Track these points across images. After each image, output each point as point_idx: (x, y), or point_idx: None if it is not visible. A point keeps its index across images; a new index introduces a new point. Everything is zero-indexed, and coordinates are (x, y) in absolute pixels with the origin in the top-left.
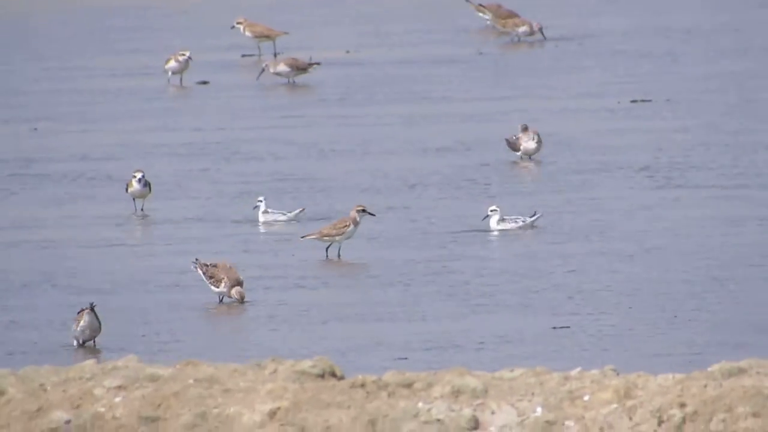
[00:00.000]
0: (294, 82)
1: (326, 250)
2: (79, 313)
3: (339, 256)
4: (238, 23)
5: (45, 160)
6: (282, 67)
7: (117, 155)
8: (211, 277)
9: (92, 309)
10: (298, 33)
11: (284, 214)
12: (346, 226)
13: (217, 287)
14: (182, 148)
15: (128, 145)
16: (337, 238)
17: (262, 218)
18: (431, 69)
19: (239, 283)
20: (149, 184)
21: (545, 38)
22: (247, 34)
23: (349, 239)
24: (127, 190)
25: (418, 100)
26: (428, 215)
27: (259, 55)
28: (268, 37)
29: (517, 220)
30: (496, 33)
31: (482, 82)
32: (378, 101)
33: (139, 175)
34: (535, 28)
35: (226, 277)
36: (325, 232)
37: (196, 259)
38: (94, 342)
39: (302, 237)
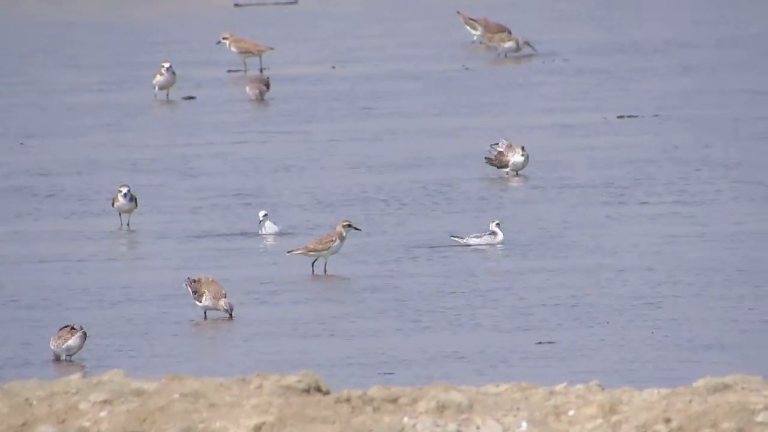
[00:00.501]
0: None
1: (312, 265)
2: (62, 329)
3: (325, 270)
4: (224, 39)
5: (31, 173)
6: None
7: (96, 169)
8: (194, 292)
9: (84, 334)
10: (283, 47)
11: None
12: (332, 241)
13: (200, 302)
14: (158, 162)
15: (107, 160)
16: (323, 252)
17: (264, 230)
18: (414, 84)
19: (223, 297)
20: (135, 199)
21: (536, 51)
22: (233, 49)
23: (335, 254)
24: (113, 204)
25: (401, 115)
26: (401, 230)
27: (245, 71)
28: (252, 53)
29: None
30: (483, 48)
31: (465, 97)
32: (356, 116)
33: (124, 190)
34: (521, 44)
35: (207, 291)
36: (311, 247)
37: (188, 278)
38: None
39: (288, 252)
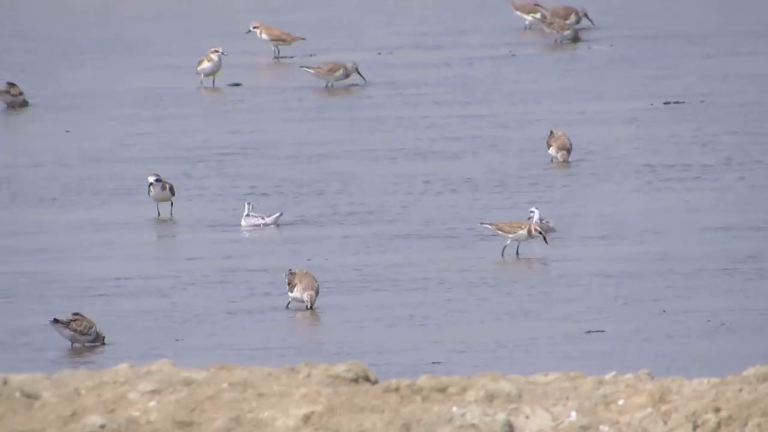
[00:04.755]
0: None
1: (503, 249)
2: (76, 314)
3: (502, 253)
4: (254, 28)
5: (76, 160)
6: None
7: (141, 157)
8: (288, 283)
9: (100, 337)
10: (329, 33)
11: (263, 218)
12: (520, 228)
13: (292, 292)
14: (204, 150)
15: (153, 147)
16: (509, 234)
17: (244, 222)
18: (460, 70)
19: (314, 290)
20: (171, 188)
21: (594, 25)
22: (264, 37)
23: (521, 241)
24: (149, 193)
25: (448, 103)
26: (455, 217)
27: (278, 57)
28: (285, 41)
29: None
30: (536, 33)
31: (513, 83)
32: (404, 104)
33: (151, 179)
34: (579, 31)
35: (299, 283)
36: (500, 224)
37: (290, 269)
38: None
39: (482, 223)
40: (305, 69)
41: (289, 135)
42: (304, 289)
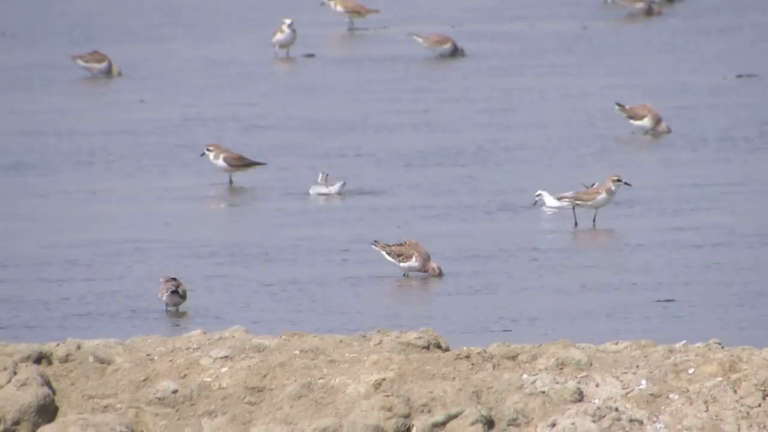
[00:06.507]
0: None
1: (574, 217)
2: (173, 278)
3: (594, 224)
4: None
5: (150, 130)
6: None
7: (216, 127)
8: (399, 255)
9: (176, 290)
10: (403, 5)
11: (328, 187)
12: (597, 193)
13: (406, 263)
14: (277, 120)
15: (228, 118)
16: (588, 203)
17: (311, 191)
18: (531, 44)
19: (428, 257)
20: (228, 159)
21: None
22: (338, 9)
23: (601, 207)
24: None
25: (515, 76)
26: (518, 187)
27: (351, 30)
28: (359, 13)
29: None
30: (608, 6)
31: (582, 57)
32: (471, 75)
33: (208, 152)
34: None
35: (416, 253)
36: (577, 195)
37: (375, 241)
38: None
39: (559, 198)
40: (414, 37)
41: (358, 106)
42: (424, 260)
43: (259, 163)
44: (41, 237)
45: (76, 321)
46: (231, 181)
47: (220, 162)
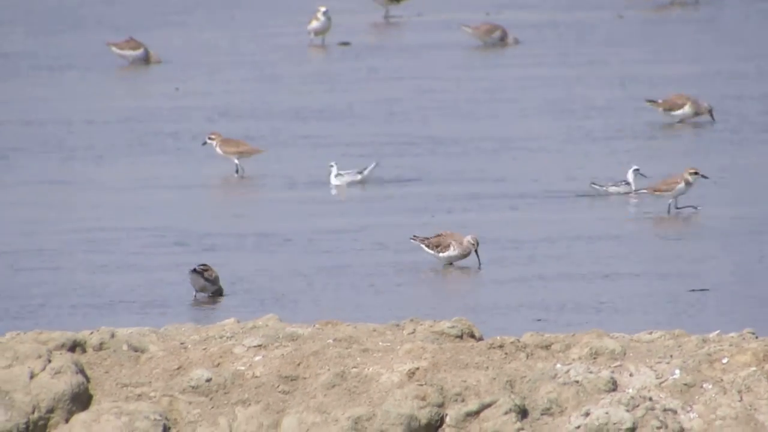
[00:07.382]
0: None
1: (668, 206)
2: (204, 265)
3: (668, 212)
4: None
5: (182, 118)
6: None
7: (250, 115)
8: (437, 246)
9: (195, 270)
10: None
11: (358, 174)
12: (676, 182)
13: (445, 252)
14: (313, 108)
15: (261, 106)
16: (666, 193)
17: (335, 181)
18: (568, 31)
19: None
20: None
21: None
22: None
23: (681, 196)
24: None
25: (555, 64)
26: (548, 175)
27: (387, 17)
28: (395, 0)
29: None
30: None
31: (617, 45)
32: (510, 64)
33: (210, 141)
34: None
35: (453, 241)
36: (656, 186)
37: (415, 236)
38: (211, 293)
39: (635, 191)
40: (463, 27)
41: (395, 93)
42: (461, 244)
43: (257, 151)
44: (73, 224)
45: (120, 308)
46: (238, 170)
47: (218, 150)
